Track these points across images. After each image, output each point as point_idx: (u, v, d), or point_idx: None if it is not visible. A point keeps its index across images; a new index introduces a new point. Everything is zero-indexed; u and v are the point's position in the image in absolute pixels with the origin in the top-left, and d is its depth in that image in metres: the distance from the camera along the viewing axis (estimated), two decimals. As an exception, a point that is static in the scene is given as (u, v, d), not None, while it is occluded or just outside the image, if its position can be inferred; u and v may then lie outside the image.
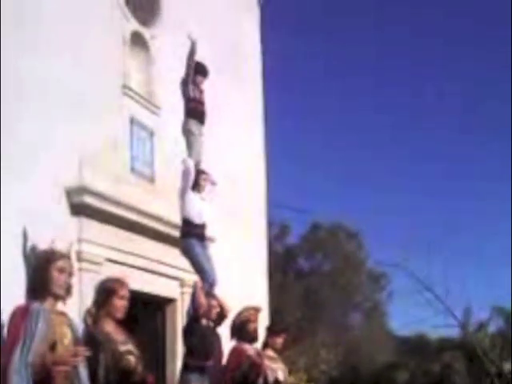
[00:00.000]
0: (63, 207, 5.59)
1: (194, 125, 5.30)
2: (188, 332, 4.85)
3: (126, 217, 6.11)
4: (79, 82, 5.87)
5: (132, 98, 6.65)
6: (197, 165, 5.24)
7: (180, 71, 5.47)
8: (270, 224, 10.71)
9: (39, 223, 5.04)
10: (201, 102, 5.38)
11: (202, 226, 5.14)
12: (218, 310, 5.05)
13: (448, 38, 28.77)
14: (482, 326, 14.71)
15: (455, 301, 12.07)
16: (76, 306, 4.56)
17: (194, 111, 5.32)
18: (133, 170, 6.52)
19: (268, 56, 9.43)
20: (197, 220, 5.09)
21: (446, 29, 28.04)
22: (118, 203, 5.98)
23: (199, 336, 4.78)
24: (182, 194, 5.15)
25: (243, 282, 7.62)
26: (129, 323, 4.20)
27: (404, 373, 17.26)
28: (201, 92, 5.41)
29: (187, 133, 5.32)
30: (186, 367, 4.82)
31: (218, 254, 5.35)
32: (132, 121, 6.61)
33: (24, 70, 5.33)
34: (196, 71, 5.38)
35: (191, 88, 5.34)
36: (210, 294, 4.94)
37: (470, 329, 12.92)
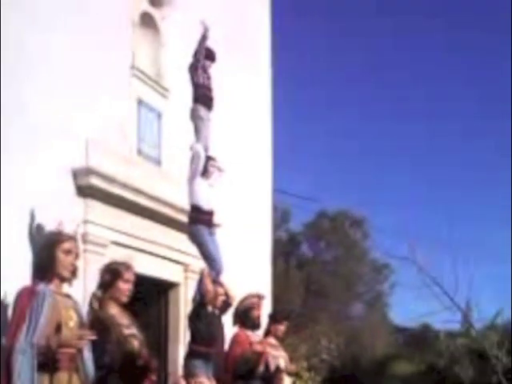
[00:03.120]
0: (69, 188, 5.55)
1: (202, 110, 5.26)
2: (194, 318, 4.82)
3: (131, 199, 6.06)
4: (87, 62, 5.79)
5: (140, 79, 6.58)
6: (205, 150, 5.20)
7: (189, 53, 5.39)
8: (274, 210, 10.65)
9: (45, 205, 4.99)
10: (209, 88, 5.35)
11: (211, 213, 5.09)
12: (224, 297, 5.03)
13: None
14: (489, 321, 14.59)
15: (462, 295, 11.96)
16: (80, 288, 4.53)
17: (203, 97, 5.29)
18: (139, 152, 6.47)
19: (277, 42, 9.34)
20: (205, 206, 5.04)
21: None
22: (124, 185, 5.93)
23: (205, 322, 4.75)
24: (191, 180, 5.10)
25: (246, 268, 7.59)
26: (132, 306, 4.18)
27: (405, 364, 17.24)
28: (209, 77, 5.37)
29: (195, 118, 5.27)
30: (190, 353, 4.80)
31: (222, 240, 5.31)
32: (140, 102, 6.55)
33: (30, 49, 5.26)
34: (204, 56, 5.33)
35: (200, 73, 5.30)
36: (216, 282, 4.91)
37: (476, 324, 12.83)
